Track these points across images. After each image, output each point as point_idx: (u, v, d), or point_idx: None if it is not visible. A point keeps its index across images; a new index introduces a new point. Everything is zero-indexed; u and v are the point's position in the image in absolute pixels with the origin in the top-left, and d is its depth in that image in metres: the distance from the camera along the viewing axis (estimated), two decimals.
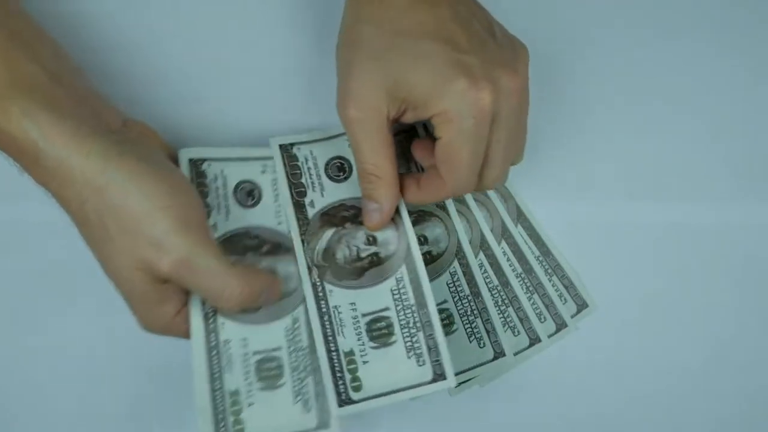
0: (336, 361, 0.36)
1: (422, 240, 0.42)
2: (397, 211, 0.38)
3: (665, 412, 0.43)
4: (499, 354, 0.41)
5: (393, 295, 0.37)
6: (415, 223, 0.42)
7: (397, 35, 0.33)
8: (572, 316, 0.43)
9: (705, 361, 0.43)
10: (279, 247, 0.38)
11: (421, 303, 0.37)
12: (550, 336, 0.42)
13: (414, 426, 0.42)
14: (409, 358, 0.36)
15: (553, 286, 0.43)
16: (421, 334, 0.36)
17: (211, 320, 0.35)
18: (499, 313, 0.42)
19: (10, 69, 0.31)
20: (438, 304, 0.41)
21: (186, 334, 0.35)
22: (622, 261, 0.44)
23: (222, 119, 0.42)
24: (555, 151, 0.44)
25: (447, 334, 0.41)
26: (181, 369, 0.36)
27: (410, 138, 0.42)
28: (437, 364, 0.36)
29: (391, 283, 0.38)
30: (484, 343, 0.42)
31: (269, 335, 0.36)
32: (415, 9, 0.33)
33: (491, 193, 0.44)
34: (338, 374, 0.36)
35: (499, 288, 0.43)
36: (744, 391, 0.43)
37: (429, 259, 0.42)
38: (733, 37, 0.46)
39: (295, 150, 0.41)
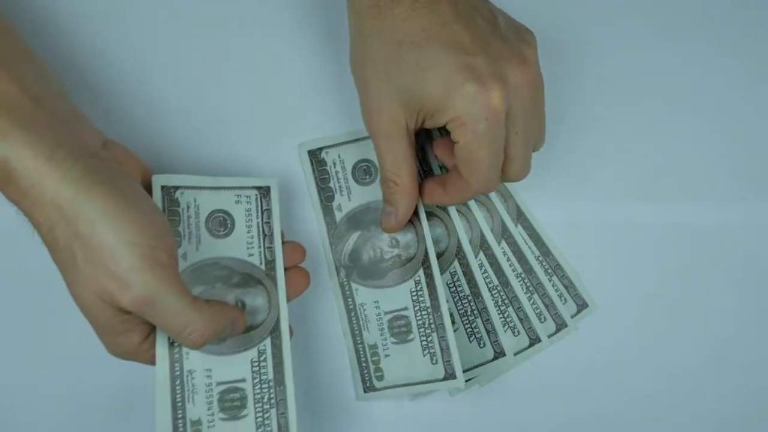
0: (362, 353, 0.40)
1: None
2: (418, 216, 0.40)
3: (665, 412, 0.43)
4: (499, 354, 0.42)
5: (411, 295, 0.40)
6: None
7: (401, 45, 0.33)
8: (572, 316, 0.43)
9: (705, 360, 0.43)
10: (249, 278, 0.38)
11: (435, 306, 0.40)
12: (550, 336, 0.42)
13: (414, 426, 0.42)
14: (424, 355, 0.39)
15: (553, 286, 0.43)
16: (435, 335, 0.39)
17: (176, 349, 0.35)
18: (499, 313, 0.42)
19: None
20: None
21: (152, 361, 0.35)
22: (622, 261, 0.44)
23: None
24: (555, 151, 0.44)
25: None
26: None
27: (429, 136, 0.42)
28: (448, 363, 0.39)
29: (410, 284, 0.40)
30: (484, 343, 0.42)
31: (234, 366, 0.36)
32: (415, 15, 0.33)
33: (491, 192, 0.44)
34: (363, 365, 0.40)
35: (499, 288, 0.43)
36: (744, 391, 0.43)
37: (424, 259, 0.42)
38: (733, 37, 0.46)
39: (323, 154, 0.42)
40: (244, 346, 0.36)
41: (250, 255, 0.38)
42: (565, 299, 0.43)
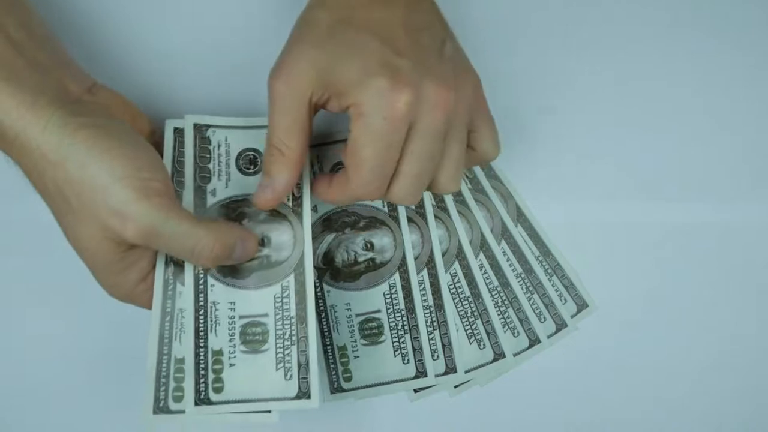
0: (330, 354, 0.40)
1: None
2: (396, 220, 0.40)
3: (665, 412, 0.43)
4: (499, 355, 0.42)
5: (385, 298, 0.40)
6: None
7: (344, 24, 0.33)
8: (572, 316, 0.43)
9: (705, 360, 0.43)
10: (276, 214, 0.38)
11: (410, 308, 0.40)
12: (549, 336, 0.43)
13: (414, 426, 0.42)
14: (395, 356, 0.40)
15: (553, 286, 0.43)
16: (407, 336, 0.40)
17: (201, 281, 0.36)
18: (499, 314, 0.42)
19: None
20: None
21: (147, 305, 0.35)
22: (622, 261, 0.44)
23: (220, 91, 0.43)
24: (555, 151, 0.44)
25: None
26: None
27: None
28: (420, 363, 0.39)
29: (384, 287, 0.40)
30: (484, 345, 0.42)
31: (257, 301, 0.36)
32: (371, 5, 0.33)
33: (491, 193, 0.44)
34: (331, 366, 0.40)
35: (499, 289, 0.43)
36: (744, 391, 0.43)
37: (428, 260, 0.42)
38: (734, 36, 0.46)
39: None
40: (268, 281, 0.37)
41: None
42: (565, 299, 0.43)
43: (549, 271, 0.43)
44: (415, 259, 0.42)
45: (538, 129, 0.44)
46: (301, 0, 0.35)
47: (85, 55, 0.38)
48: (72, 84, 0.34)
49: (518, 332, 0.42)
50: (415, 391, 0.42)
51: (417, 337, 0.41)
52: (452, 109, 0.33)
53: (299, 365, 0.36)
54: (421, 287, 0.42)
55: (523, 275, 0.43)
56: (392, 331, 0.40)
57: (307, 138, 0.34)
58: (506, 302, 0.43)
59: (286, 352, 0.36)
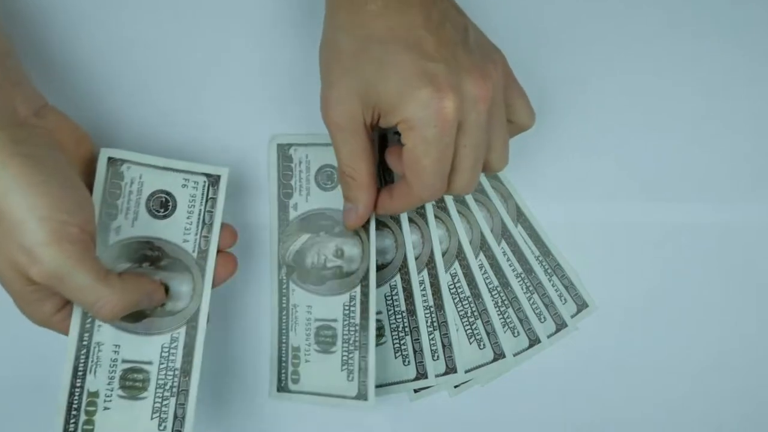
0: (284, 352, 0.40)
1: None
2: (367, 231, 0.40)
3: (665, 412, 0.43)
4: (499, 355, 0.42)
5: (343, 309, 0.40)
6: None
7: (368, 41, 0.33)
8: (572, 316, 0.43)
9: (705, 361, 0.43)
10: (178, 263, 0.37)
11: (363, 325, 0.39)
12: (549, 336, 0.43)
13: (414, 426, 0.42)
14: (342, 370, 0.39)
15: (552, 286, 0.43)
16: (356, 353, 0.39)
17: (89, 319, 0.36)
18: (498, 314, 0.42)
19: None
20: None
21: (66, 331, 0.35)
22: (622, 261, 0.44)
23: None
24: (555, 151, 0.44)
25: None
26: None
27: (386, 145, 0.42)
28: (363, 384, 0.39)
29: (345, 298, 0.40)
30: (484, 345, 0.42)
31: (143, 347, 0.36)
32: (387, 14, 0.33)
33: (491, 193, 0.44)
34: (283, 364, 0.40)
35: (499, 289, 0.43)
36: (744, 391, 0.43)
37: (429, 260, 0.42)
38: (734, 36, 0.46)
39: (291, 151, 0.42)
40: (157, 329, 0.36)
41: (185, 241, 0.38)
42: (565, 299, 0.43)
43: (549, 271, 0.43)
44: (416, 259, 0.42)
45: (538, 129, 0.44)
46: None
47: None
48: (21, 105, 0.34)
49: (518, 332, 0.42)
50: (415, 391, 0.42)
51: (418, 339, 0.41)
52: (492, 96, 0.34)
53: (176, 417, 0.36)
54: (422, 287, 0.42)
55: (523, 275, 0.43)
56: (343, 345, 0.40)
57: (373, 159, 0.36)
58: (506, 302, 0.43)
59: (164, 402, 0.36)
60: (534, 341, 0.42)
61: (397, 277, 0.42)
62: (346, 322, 0.40)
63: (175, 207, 0.38)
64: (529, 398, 0.42)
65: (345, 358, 0.39)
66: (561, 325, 0.43)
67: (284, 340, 0.40)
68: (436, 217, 0.43)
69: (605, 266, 0.44)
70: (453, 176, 0.35)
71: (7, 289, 0.33)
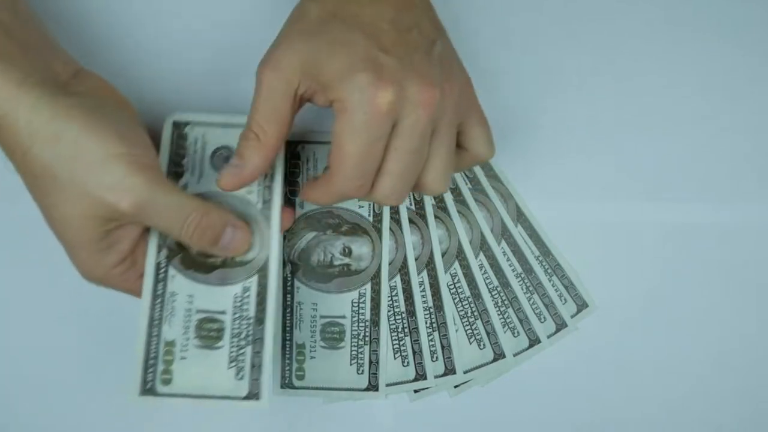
0: (288, 350, 0.40)
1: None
2: (379, 231, 0.41)
3: (665, 412, 0.43)
4: (499, 355, 0.42)
5: (352, 306, 0.41)
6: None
7: (333, 18, 0.33)
8: (572, 316, 0.43)
9: (705, 361, 0.43)
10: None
11: (375, 321, 0.40)
12: (549, 336, 0.43)
13: (414, 426, 0.42)
14: (351, 364, 0.40)
15: (552, 286, 0.43)
16: (367, 348, 0.40)
17: (162, 269, 0.36)
18: (499, 314, 0.42)
19: None
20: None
21: (123, 287, 0.36)
22: (622, 261, 0.44)
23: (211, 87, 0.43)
24: (555, 151, 0.44)
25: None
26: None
27: None
28: (374, 376, 0.40)
29: (353, 295, 0.41)
30: (484, 345, 0.42)
31: (216, 297, 0.36)
32: (362, 1, 0.34)
33: (491, 193, 0.44)
34: (287, 361, 0.40)
35: (499, 289, 0.43)
36: (744, 391, 0.43)
37: (429, 261, 0.42)
38: (734, 36, 0.46)
39: (299, 149, 0.42)
40: (229, 280, 0.37)
41: (249, 192, 0.38)
42: (565, 299, 0.43)
43: (549, 271, 0.43)
44: (416, 260, 0.42)
45: (538, 129, 0.44)
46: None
47: (75, 46, 0.38)
48: (59, 67, 0.34)
49: (518, 332, 0.42)
50: (415, 391, 0.42)
51: (417, 340, 0.41)
52: (437, 108, 0.33)
53: (253, 365, 0.36)
54: (421, 288, 0.42)
55: (523, 275, 0.43)
56: (353, 340, 0.40)
57: (285, 128, 0.34)
58: (506, 302, 0.43)
59: (240, 351, 0.36)
60: (534, 341, 0.42)
61: (397, 278, 0.42)
62: (355, 318, 0.40)
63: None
64: (529, 398, 0.42)
65: (354, 352, 0.40)
66: (561, 325, 0.43)
67: (288, 338, 0.41)
68: (435, 217, 0.43)
69: (605, 266, 0.44)
70: (378, 178, 0.34)
71: (72, 243, 0.33)
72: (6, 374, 0.42)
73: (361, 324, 0.40)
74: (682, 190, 0.44)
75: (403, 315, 0.42)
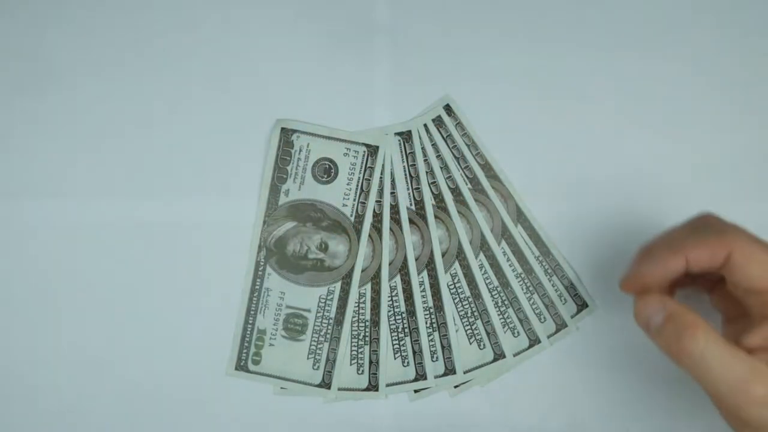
0: (249, 333, 0.42)
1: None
2: (359, 232, 0.42)
3: (665, 413, 0.43)
4: (499, 355, 0.42)
5: (319, 301, 0.42)
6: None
7: None
8: (572, 316, 0.43)
9: None
10: (337, 225, 0.42)
11: (338, 320, 0.42)
12: (549, 336, 0.43)
13: (414, 426, 0.42)
14: (308, 358, 0.41)
15: (553, 286, 0.43)
16: (326, 345, 0.41)
17: (261, 268, 0.41)
18: (499, 314, 0.42)
19: None
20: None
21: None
22: (622, 261, 0.44)
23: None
24: (554, 152, 0.44)
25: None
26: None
27: None
28: (328, 374, 0.41)
29: (322, 291, 0.42)
30: (484, 345, 0.42)
31: (304, 297, 0.41)
32: None
33: (491, 193, 0.44)
34: (246, 344, 0.41)
35: (499, 289, 0.43)
36: None
37: (429, 261, 0.42)
38: (734, 36, 0.46)
39: (294, 137, 0.42)
40: (317, 282, 0.41)
41: (344, 205, 0.42)
42: (565, 299, 0.43)
43: (549, 271, 0.43)
44: (416, 260, 0.42)
45: (538, 129, 0.44)
46: None
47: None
48: None
49: (518, 332, 0.42)
50: (415, 391, 0.42)
51: (417, 340, 0.41)
52: None
53: (327, 360, 0.41)
54: (421, 288, 0.42)
55: (523, 275, 0.43)
56: (313, 335, 0.41)
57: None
58: (506, 302, 0.43)
59: (319, 346, 0.41)
60: (534, 341, 0.42)
61: (397, 278, 0.42)
62: (319, 314, 0.41)
63: (337, 173, 0.42)
64: (529, 398, 0.42)
65: (313, 347, 0.41)
66: (561, 325, 0.43)
67: (251, 321, 0.41)
68: (436, 217, 0.43)
69: (605, 266, 0.44)
70: None
71: None
72: (6, 374, 0.42)
73: (324, 321, 0.41)
74: (682, 189, 0.44)
75: (403, 315, 0.42)
